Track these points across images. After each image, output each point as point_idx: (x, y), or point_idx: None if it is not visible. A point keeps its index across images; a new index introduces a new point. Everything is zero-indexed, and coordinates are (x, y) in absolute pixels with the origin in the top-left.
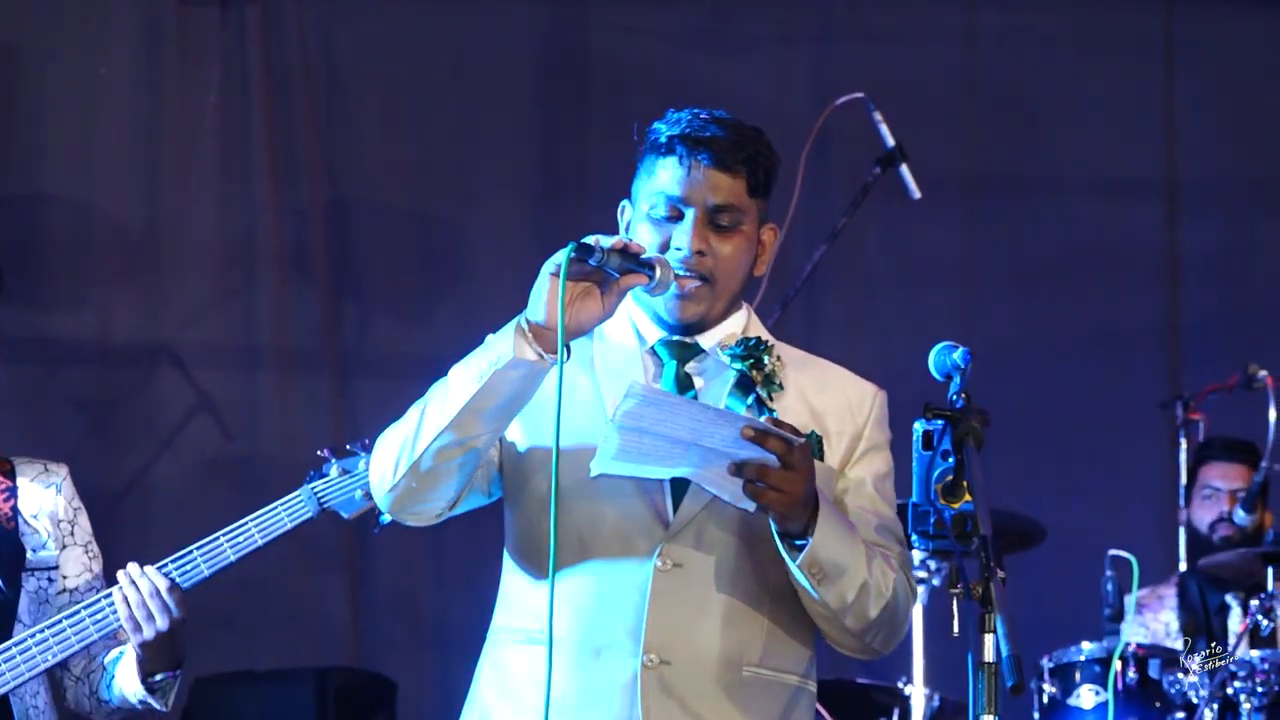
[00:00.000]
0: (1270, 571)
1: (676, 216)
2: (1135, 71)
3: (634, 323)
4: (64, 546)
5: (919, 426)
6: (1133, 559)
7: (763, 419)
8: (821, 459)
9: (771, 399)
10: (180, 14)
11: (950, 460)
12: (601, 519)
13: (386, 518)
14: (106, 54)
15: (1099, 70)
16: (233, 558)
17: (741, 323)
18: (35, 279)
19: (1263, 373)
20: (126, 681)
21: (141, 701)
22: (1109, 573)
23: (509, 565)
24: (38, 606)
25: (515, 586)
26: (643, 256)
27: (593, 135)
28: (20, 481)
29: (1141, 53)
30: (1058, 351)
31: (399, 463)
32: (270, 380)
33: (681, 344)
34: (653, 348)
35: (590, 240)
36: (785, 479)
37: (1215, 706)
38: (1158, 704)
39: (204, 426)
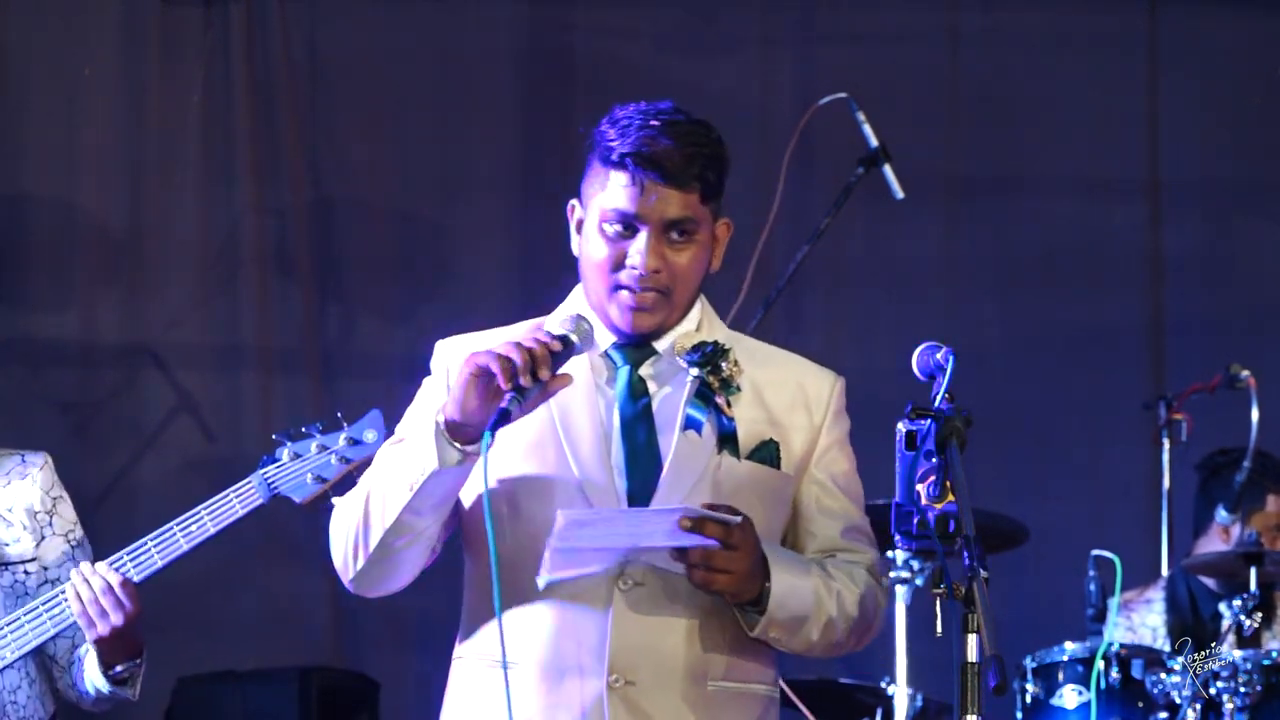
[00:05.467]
0: (1253, 571)
1: (630, 232)
2: (1118, 72)
3: None
4: (42, 538)
5: (902, 427)
6: (1116, 559)
7: (699, 505)
8: (778, 466)
9: (730, 404)
10: (163, 14)
11: (934, 461)
12: None
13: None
14: (90, 54)
15: (1082, 70)
16: (186, 547)
17: (695, 320)
18: (17, 279)
19: (1245, 373)
20: (91, 674)
21: (113, 691)
22: (1092, 573)
23: (471, 592)
24: (14, 601)
25: (477, 613)
26: (555, 351)
27: (575, 136)
28: None
29: (1124, 53)
30: (1041, 352)
31: (357, 554)
32: (253, 381)
33: (636, 347)
34: (606, 351)
35: (506, 398)
36: (730, 559)
37: (1198, 706)
38: (1140, 704)
39: (186, 427)
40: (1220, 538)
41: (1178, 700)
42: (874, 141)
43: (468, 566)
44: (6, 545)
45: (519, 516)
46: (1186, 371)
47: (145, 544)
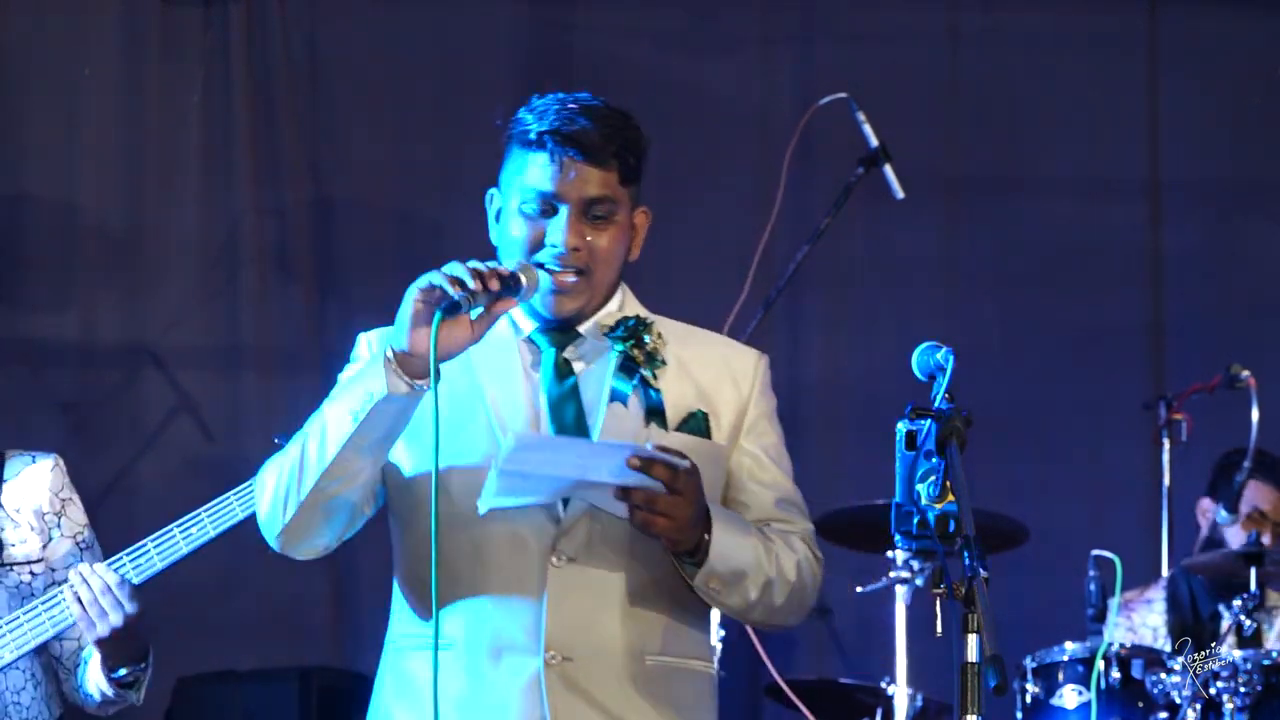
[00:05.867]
0: (1253, 572)
1: (550, 212)
2: (1118, 72)
3: (509, 314)
4: (49, 539)
5: (902, 427)
6: (1116, 559)
7: (649, 445)
8: (709, 436)
9: (656, 377)
10: (164, 14)
11: (934, 461)
12: (491, 520)
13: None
14: (90, 54)
15: (1082, 70)
16: (185, 549)
17: (617, 303)
18: (17, 279)
19: (1245, 373)
20: (94, 677)
21: (117, 695)
22: (1092, 573)
23: (402, 575)
24: (19, 602)
25: (411, 595)
26: (504, 275)
27: None
28: (6, 474)
29: (1124, 53)
30: (1041, 352)
31: (286, 504)
32: (253, 381)
33: (559, 330)
34: (530, 336)
35: (455, 289)
36: (673, 504)
37: (1198, 707)
38: (1140, 704)
39: (186, 427)
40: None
41: (1178, 700)
42: (874, 141)
43: (396, 550)
44: (12, 545)
45: (451, 500)
46: (1186, 371)
47: (145, 546)
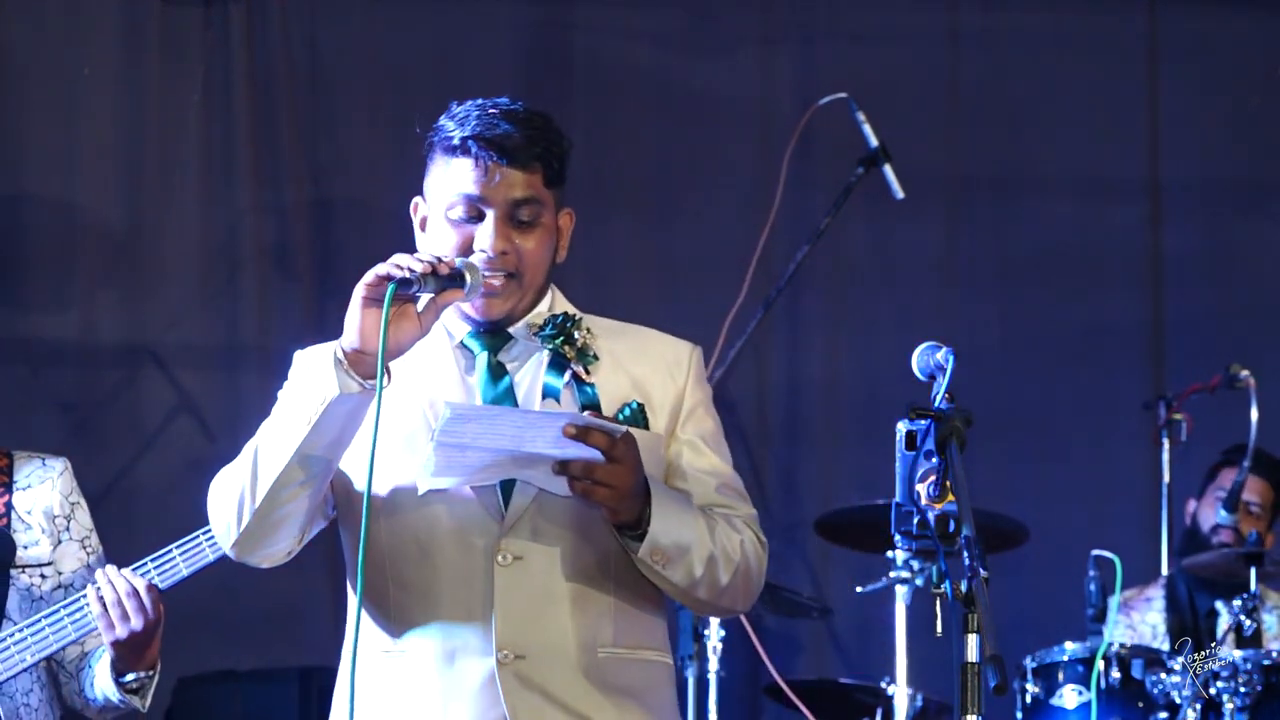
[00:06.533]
0: (1253, 571)
1: (476, 216)
2: (1118, 72)
3: (441, 320)
4: (59, 542)
5: (902, 427)
6: (1116, 559)
7: (584, 413)
8: (646, 427)
9: (588, 372)
10: (163, 13)
11: (934, 461)
12: (437, 523)
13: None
14: (90, 54)
15: (1082, 70)
16: (211, 557)
17: (547, 304)
18: (17, 279)
19: (1245, 372)
20: (102, 681)
21: (122, 700)
22: (1092, 573)
23: (353, 585)
24: (30, 604)
25: (362, 604)
26: (452, 268)
27: (575, 136)
28: (16, 476)
29: (1124, 53)
30: (1040, 352)
31: (241, 512)
32: (253, 381)
33: (490, 333)
34: (462, 341)
35: (404, 270)
36: (611, 473)
37: (1198, 707)
38: (1141, 704)
39: (186, 427)
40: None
41: (1178, 700)
42: (874, 141)
43: (348, 558)
44: (25, 548)
45: (395, 508)
46: (1186, 371)
47: (170, 552)
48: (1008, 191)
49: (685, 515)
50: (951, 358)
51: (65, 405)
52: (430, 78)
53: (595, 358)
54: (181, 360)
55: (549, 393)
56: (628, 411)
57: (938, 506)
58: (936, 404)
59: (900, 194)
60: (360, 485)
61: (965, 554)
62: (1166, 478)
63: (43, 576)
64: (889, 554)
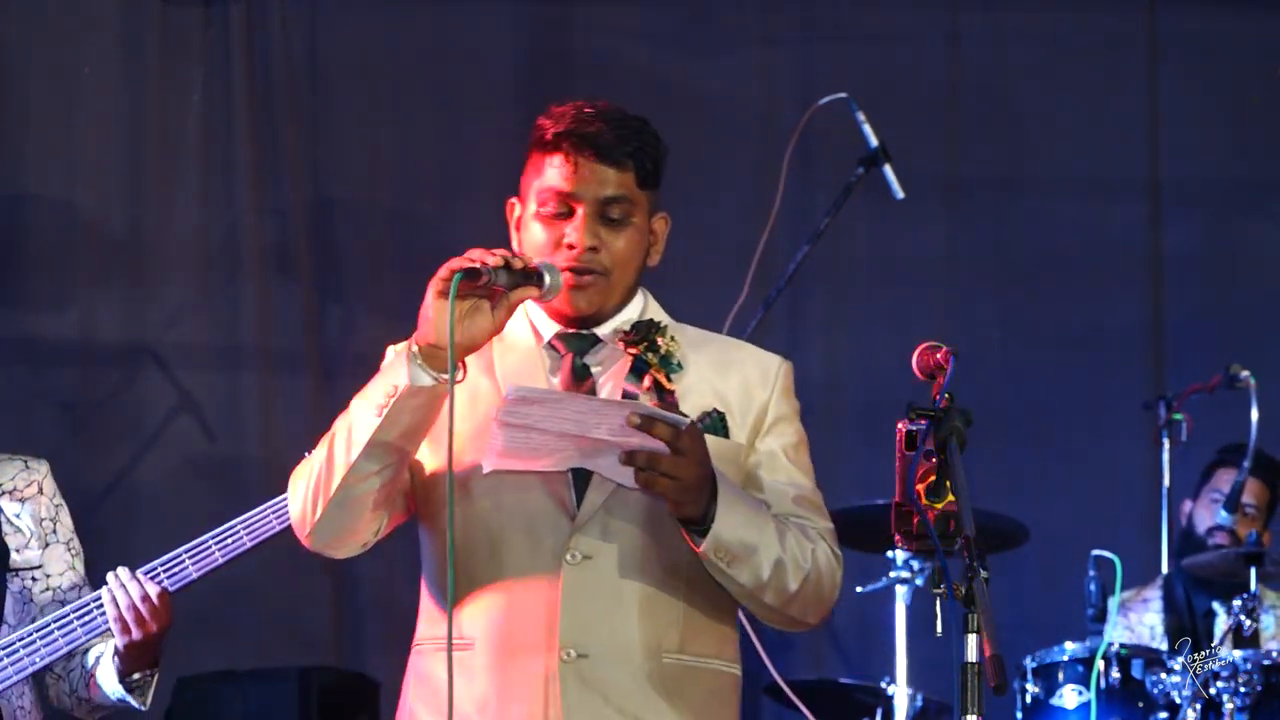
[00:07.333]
0: (1253, 572)
1: (567, 213)
2: (1118, 72)
3: (530, 319)
4: (46, 545)
5: (902, 426)
6: (1116, 559)
7: (648, 397)
8: (727, 436)
9: (671, 380)
10: (163, 13)
11: (934, 461)
12: (508, 519)
13: None
14: (90, 54)
15: (1082, 70)
16: (221, 560)
17: (638, 309)
18: (18, 279)
19: (1245, 373)
20: (106, 680)
21: (120, 699)
22: (1092, 573)
23: (426, 577)
24: (21, 606)
25: (433, 598)
26: (530, 267)
27: None
28: (1, 480)
29: (1124, 53)
30: (1041, 351)
31: (317, 502)
32: (253, 380)
33: (578, 335)
34: (549, 342)
35: (476, 262)
36: (676, 464)
37: (1198, 707)
38: (1140, 704)
39: (186, 426)
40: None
41: (1178, 700)
42: (874, 141)
43: (423, 552)
44: (16, 551)
45: (468, 501)
46: (1186, 371)
47: (179, 555)
48: (1008, 191)
49: (753, 515)
50: (951, 357)
51: (65, 405)
52: (430, 78)
53: (679, 366)
54: (181, 360)
55: (628, 399)
56: (708, 421)
57: (938, 506)
58: (936, 404)
59: (900, 194)
60: (438, 478)
61: (965, 554)
62: (1166, 478)
63: (34, 579)
64: (889, 554)
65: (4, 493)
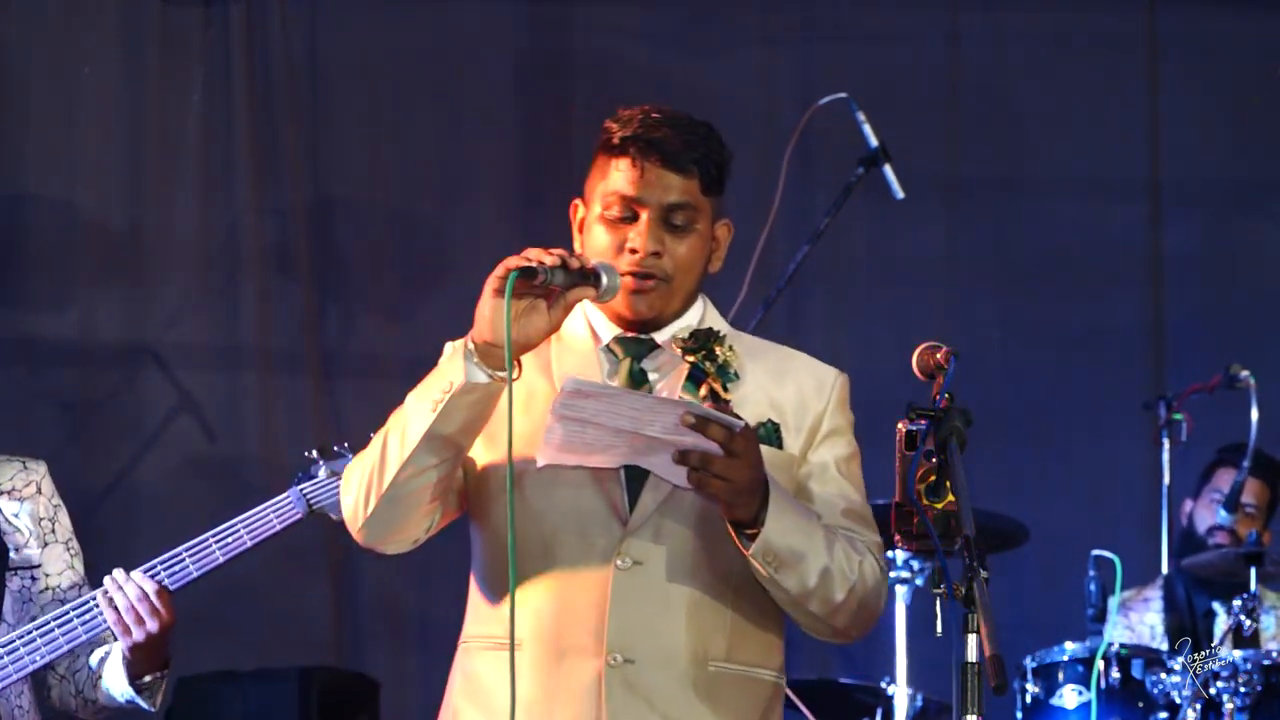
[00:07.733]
0: (1253, 572)
1: (631, 217)
2: (1118, 72)
3: (589, 321)
4: (45, 544)
5: (902, 427)
6: (1116, 559)
7: (704, 405)
8: (780, 446)
9: (727, 389)
10: (164, 14)
11: (934, 461)
12: (561, 520)
13: None
14: (90, 54)
15: (1082, 71)
16: (221, 559)
17: (697, 315)
18: (18, 279)
19: (1245, 373)
20: (114, 682)
21: (129, 701)
22: (1092, 573)
23: (476, 575)
24: (21, 606)
25: (483, 595)
26: (587, 267)
27: (575, 135)
28: (0, 480)
29: (1124, 53)
30: (1041, 351)
31: (369, 496)
32: (253, 380)
33: (636, 340)
34: (608, 344)
35: (533, 261)
36: (729, 466)
37: (1198, 707)
38: (1141, 704)
39: (186, 426)
40: (1220, 536)
41: (1178, 700)
42: (874, 141)
43: (474, 548)
44: (15, 551)
45: (525, 500)
46: (1186, 371)
47: (180, 555)
48: (1008, 191)
49: (803, 523)
50: (952, 357)
51: (65, 405)
52: (429, 78)
53: (736, 376)
54: (181, 360)
55: None
56: (762, 431)
57: (938, 506)
58: (936, 404)
59: (900, 194)
60: (490, 475)
61: (965, 554)
62: (1166, 478)
63: (32, 579)
64: (889, 554)
65: (2, 493)
